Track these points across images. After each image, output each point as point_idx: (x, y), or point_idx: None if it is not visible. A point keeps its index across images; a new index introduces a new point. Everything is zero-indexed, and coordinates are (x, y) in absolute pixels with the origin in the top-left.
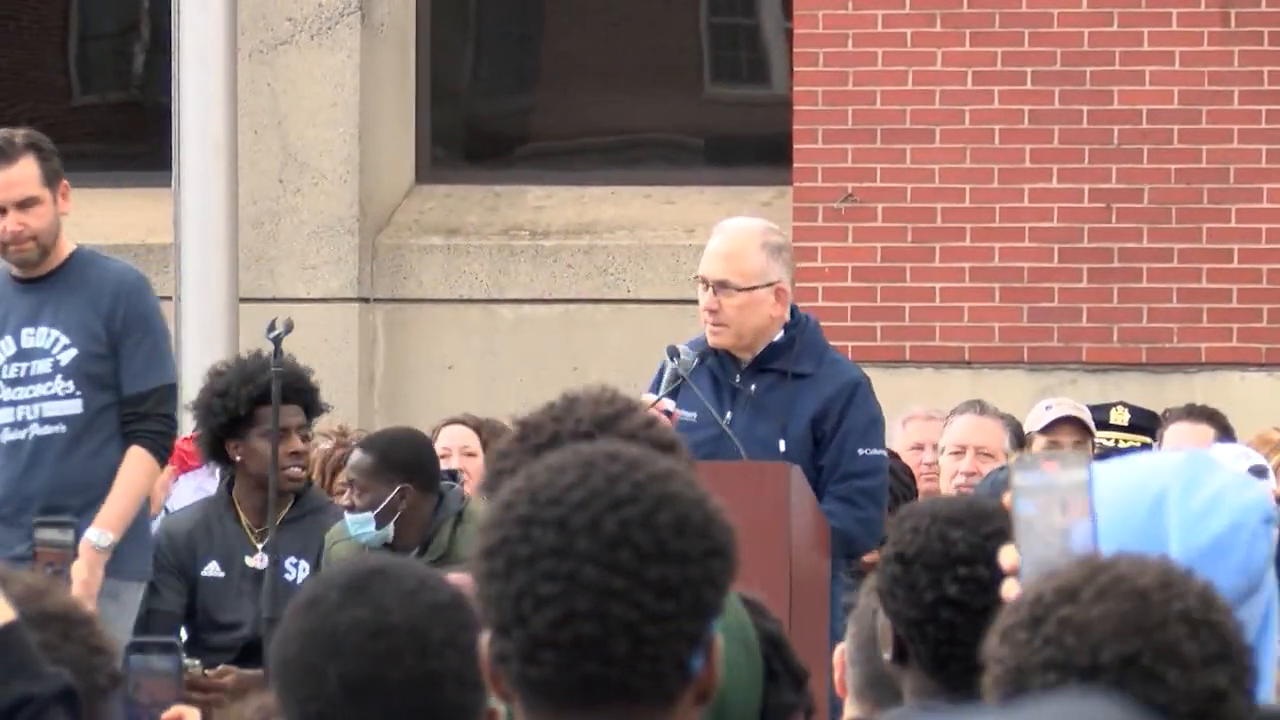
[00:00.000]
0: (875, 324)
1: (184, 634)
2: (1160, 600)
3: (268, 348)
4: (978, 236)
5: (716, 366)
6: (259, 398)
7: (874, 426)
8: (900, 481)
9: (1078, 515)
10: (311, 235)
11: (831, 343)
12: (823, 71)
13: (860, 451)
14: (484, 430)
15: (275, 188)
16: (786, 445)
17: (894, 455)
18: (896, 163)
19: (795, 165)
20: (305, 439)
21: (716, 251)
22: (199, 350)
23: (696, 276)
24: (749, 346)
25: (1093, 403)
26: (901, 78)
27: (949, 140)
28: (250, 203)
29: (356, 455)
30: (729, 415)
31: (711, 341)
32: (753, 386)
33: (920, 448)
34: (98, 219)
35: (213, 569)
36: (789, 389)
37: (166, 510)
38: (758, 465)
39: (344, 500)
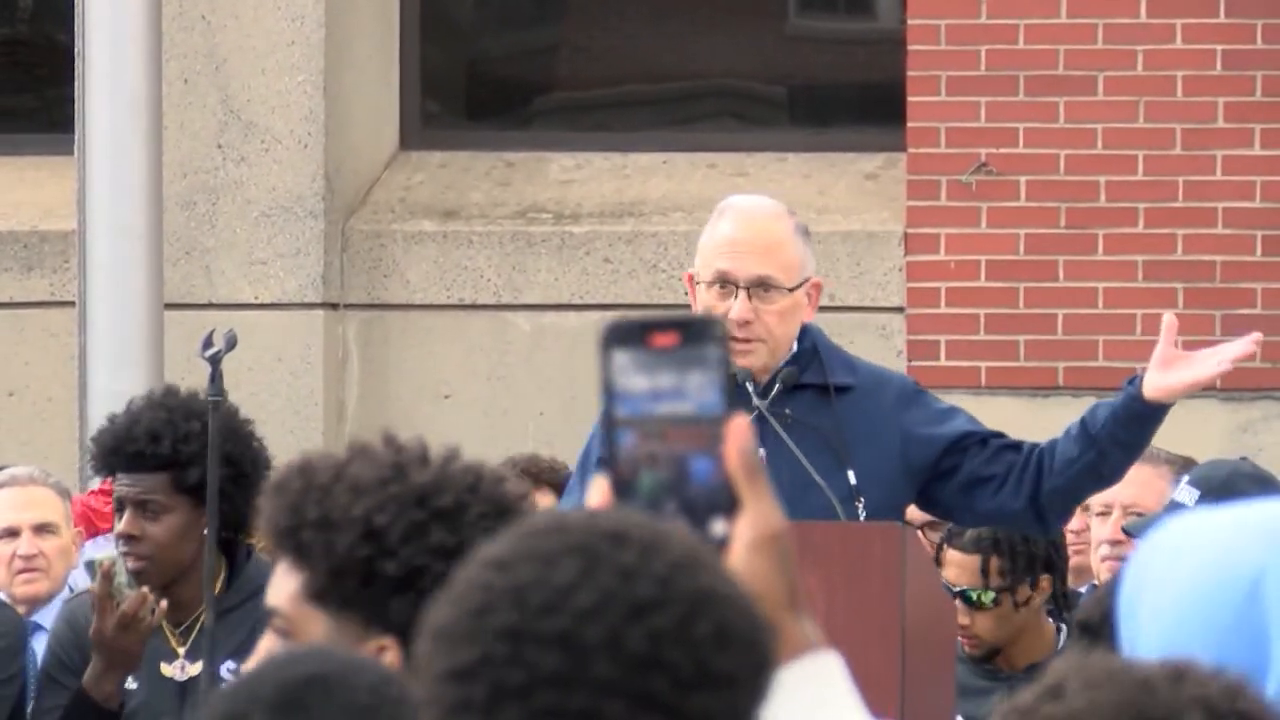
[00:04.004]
0: (1017, 337)
1: None
2: (1170, 687)
3: (199, 373)
4: (1154, 220)
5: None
6: (104, 462)
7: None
8: (1053, 545)
9: None
10: (261, 219)
11: (960, 363)
12: None
13: (970, 426)
14: (543, 479)
15: (213, 155)
16: (857, 477)
17: None
18: (1046, 121)
19: (909, 124)
20: (150, 515)
21: (745, 239)
22: (110, 373)
23: (707, 279)
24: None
25: None
26: (1052, 6)
27: (1116, 91)
28: (179, 176)
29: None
30: (762, 451)
31: (739, 363)
32: (787, 410)
33: None
34: None
35: (120, 714)
36: (834, 406)
37: (71, 590)
38: (862, 527)
39: None
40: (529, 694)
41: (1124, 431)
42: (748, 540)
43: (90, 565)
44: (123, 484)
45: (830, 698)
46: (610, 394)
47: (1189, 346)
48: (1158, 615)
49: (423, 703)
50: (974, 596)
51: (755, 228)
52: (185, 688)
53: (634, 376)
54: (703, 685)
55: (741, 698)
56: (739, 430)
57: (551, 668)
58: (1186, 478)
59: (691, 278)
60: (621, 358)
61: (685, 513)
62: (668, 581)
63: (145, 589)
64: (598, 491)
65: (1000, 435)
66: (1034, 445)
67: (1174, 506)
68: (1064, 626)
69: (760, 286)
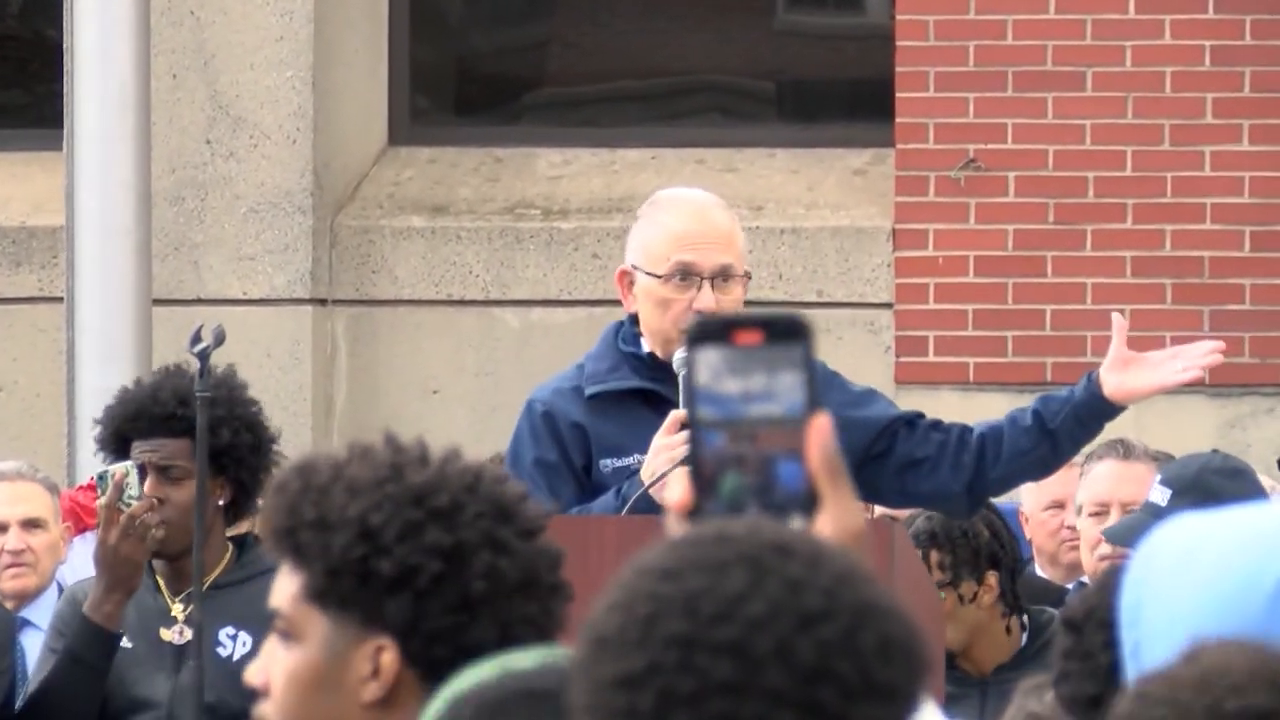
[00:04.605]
0: (1005, 333)
1: None
2: None
3: (190, 365)
4: (1143, 215)
5: (642, 381)
6: (125, 424)
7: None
8: (997, 540)
9: None
10: (250, 214)
11: (948, 359)
12: None
13: (893, 411)
14: None
15: (201, 151)
16: None
17: (990, 509)
18: (1034, 117)
19: (898, 120)
20: (172, 479)
21: (704, 230)
22: (98, 369)
23: (663, 271)
24: None
25: None
26: (1040, 2)
27: (1105, 87)
28: (168, 171)
29: None
30: None
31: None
32: None
33: (1059, 506)
34: None
35: (121, 640)
36: None
37: (59, 586)
38: None
39: None
40: (699, 702)
41: (1081, 429)
42: (828, 538)
43: (103, 477)
44: (144, 450)
45: None
46: (695, 395)
47: (1178, 342)
48: (1173, 620)
49: (582, 709)
50: None
51: (710, 218)
52: (183, 651)
53: (725, 378)
54: (868, 696)
55: (901, 709)
56: (821, 429)
57: (723, 676)
58: (1158, 477)
59: (625, 273)
60: (710, 358)
61: (768, 514)
62: (833, 593)
63: (153, 499)
64: (678, 490)
65: (921, 415)
66: (964, 428)
67: (1148, 507)
68: (1025, 624)
69: (722, 277)
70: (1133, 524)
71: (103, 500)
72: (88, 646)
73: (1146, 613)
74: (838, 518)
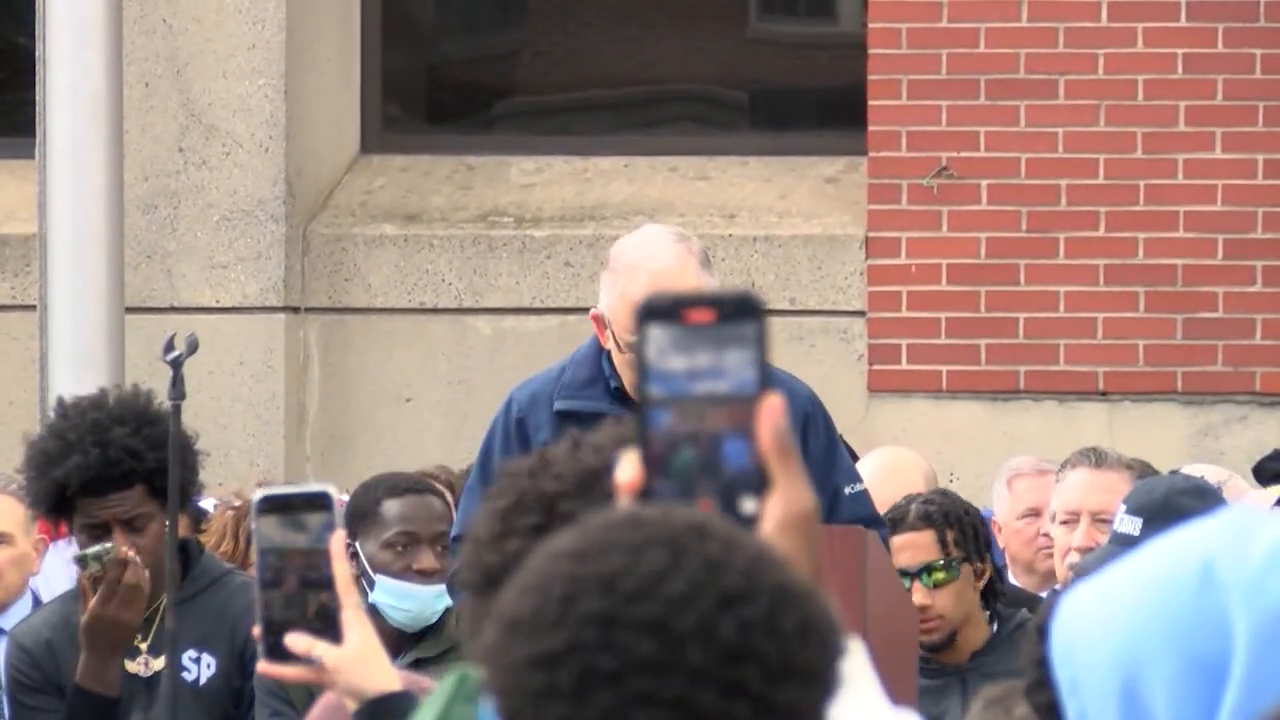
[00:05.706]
0: (978, 341)
1: None
2: None
3: (160, 376)
4: (1115, 223)
5: (611, 407)
6: (78, 488)
7: (846, 454)
8: (983, 526)
9: None
10: (222, 223)
11: (921, 366)
12: (907, 2)
13: (848, 490)
14: (456, 489)
15: (173, 159)
16: None
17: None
18: (1007, 125)
19: (870, 128)
20: (136, 529)
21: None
22: (72, 378)
23: (627, 342)
24: None
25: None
26: (1013, 10)
27: (1077, 94)
28: (140, 180)
29: (430, 501)
30: None
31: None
32: None
33: (1035, 513)
34: None
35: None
36: None
37: (35, 596)
38: (824, 530)
39: (423, 564)
40: (620, 680)
41: None
42: (777, 519)
43: (91, 558)
44: (104, 508)
45: (855, 683)
46: (645, 372)
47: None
48: (1108, 644)
49: (497, 694)
50: (939, 571)
51: (666, 269)
52: (150, 683)
53: (672, 356)
54: (789, 677)
55: (821, 691)
56: (772, 409)
57: (644, 654)
58: (1124, 506)
59: (600, 319)
60: (658, 335)
61: (718, 493)
62: (752, 574)
63: (134, 557)
64: (629, 469)
65: (840, 491)
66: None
67: (1118, 538)
68: (997, 615)
69: None
70: (1104, 557)
71: (88, 577)
72: (94, 716)
73: (1079, 648)
74: (788, 498)
